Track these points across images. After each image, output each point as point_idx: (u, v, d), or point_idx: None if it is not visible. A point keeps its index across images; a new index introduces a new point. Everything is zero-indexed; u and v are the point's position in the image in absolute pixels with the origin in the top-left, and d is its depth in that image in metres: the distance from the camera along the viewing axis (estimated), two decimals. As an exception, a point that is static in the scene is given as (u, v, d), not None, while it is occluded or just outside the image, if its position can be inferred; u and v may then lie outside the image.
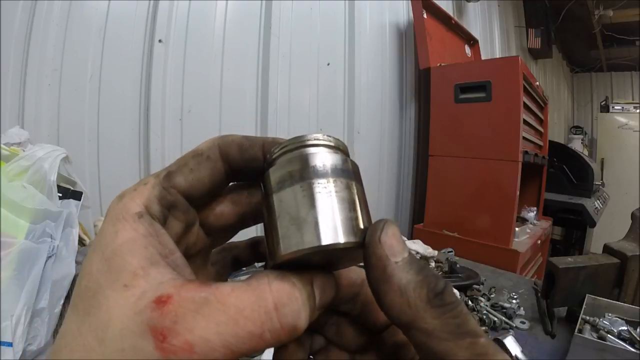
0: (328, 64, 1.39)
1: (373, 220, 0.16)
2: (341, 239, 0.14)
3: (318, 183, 0.14)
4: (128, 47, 0.99)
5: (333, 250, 0.14)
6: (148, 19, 1.01)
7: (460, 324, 0.14)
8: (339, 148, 0.16)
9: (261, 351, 0.12)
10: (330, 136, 0.16)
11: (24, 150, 0.72)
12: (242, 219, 0.20)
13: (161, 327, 0.13)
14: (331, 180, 0.15)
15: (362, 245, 0.15)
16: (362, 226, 0.15)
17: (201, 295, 0.13)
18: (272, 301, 0.13)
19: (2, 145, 0.70)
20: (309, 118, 1.35)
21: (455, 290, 0.78)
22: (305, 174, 0.15)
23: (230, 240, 0.22)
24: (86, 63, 0.93)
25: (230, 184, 0.20)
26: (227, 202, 0.20)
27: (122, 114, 0.99)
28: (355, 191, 0.15)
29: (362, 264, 0.16)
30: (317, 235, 0.14)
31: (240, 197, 0.20)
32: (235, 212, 0.20)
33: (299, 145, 0.16)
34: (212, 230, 0.20)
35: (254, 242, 0.23)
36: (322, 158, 0.15)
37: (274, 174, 0.15)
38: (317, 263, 0.15)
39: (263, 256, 0.23)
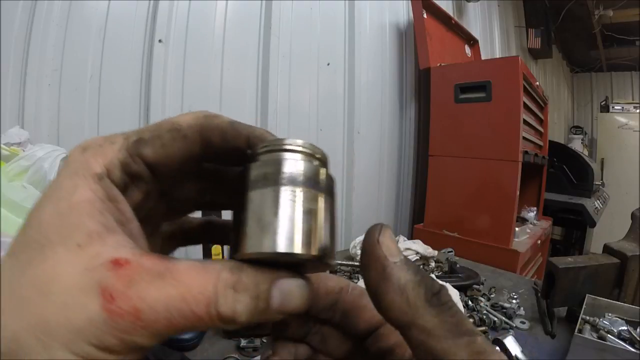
0: (328, 64, 1.39)
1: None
2: (297, 249, 0.14)
3: (287, 190, 0.15)
4: (128, 47, 0.98)
5: (290, 258, 0.14)
6: (148, 19, 1.01)
7: (458, 323, 0.14)
8: (318, 158, 0.16)
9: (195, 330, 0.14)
10: (312, 145, 0.16)
11: (24, 150, 0.72)
12: (204, 199, 0.20)
13: (113, 288, 0.13)
14: (300, 190, 0.15)
15: (318, 259, 0.15)
16: (322, 240, 0.15)
17: (158, 268, 0.13)
18: (216, 290, 0.13)
19: (2, 145, 0.70)
20: (309, 118, 1.35)
21: (454, 290, 0.78)
22: (278, 178, 0.15)
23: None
24: (86, 63, 0.93)
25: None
26: (194, 180, 0.19)
27: (122, 114, 0.99)
28: (322, 204, 0.15)
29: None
30: (274, 242, 0.14)
31: (207, 178, 0.20)
32: (200, 190, 0.20)
33: (279, 148, 0.16)
34: (171, 203, 0.20)
35: (207, 222, 0.22)
36: (297, 166, 0.15)
37: (253, 171, 0.15)
38: (286, 265, 0.15)
39: (214, 237, 0.23)
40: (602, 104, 4.33)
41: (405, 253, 1.14)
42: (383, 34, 1.61)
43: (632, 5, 3.01)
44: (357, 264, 1.05)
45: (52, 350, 0.12)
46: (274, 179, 0.15)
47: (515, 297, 0.90)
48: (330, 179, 0.16)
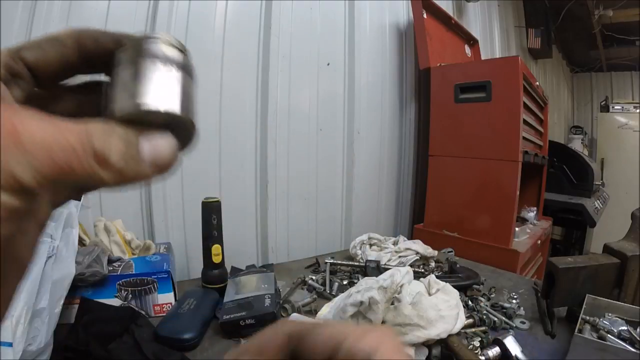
0: (328, 64, 1.39)
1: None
2: (162, 107, 0.16)
3: (149, 61, 0.16)
4: (128, 47, 0.98)
5: (155, 117, 0.16)
6: (148, 19, 1.01)
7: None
8: (177, 47, 0.18)
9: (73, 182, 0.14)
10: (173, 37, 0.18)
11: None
12: (81, 113, 0.20)
13: None
14: (161, 62, 0.17)
15: (182, 121, 0.17)
16: (183, 103, 0.17)
17: (38, 113, 0.13)
18: (89, 129, 0.14)
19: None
20: (308, 118, 1.35)
21: (454, 290, 0.78)
22: (141, 52, 0.17)
23: None
24: (86, 63, 0.93)
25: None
26: (71, 94, 0.21)
27: (122, 114, 0.99)
28: (181, 76, 0.17)
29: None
30: (142, 101, 0.15)
31: (84, 92, 0.21)
32: (78, 104, 0.21)
33: (143, 37, 0.17)
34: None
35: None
36: (158, 46, 0.17)
37: (119, 54, 0.17)
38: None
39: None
40: (602, 104, 4.33)
41: (405, 253, 1.13)
42: (383, 34, 1.61)
43: (632, 5, 3.01)
44: (357, 264, 1.05)
45: None
46: (138, 53, 0.17)
47: (515, 297, 0.90)
48: (189, 62, 0.18)
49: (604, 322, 0.67)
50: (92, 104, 0.20)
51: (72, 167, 0.13)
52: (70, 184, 0.14)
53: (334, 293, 0.90)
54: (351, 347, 0.15)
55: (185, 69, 0.18)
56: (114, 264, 0.78)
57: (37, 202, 0.14)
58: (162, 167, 0.16)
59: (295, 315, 0.75)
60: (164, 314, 0.77)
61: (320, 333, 0.16)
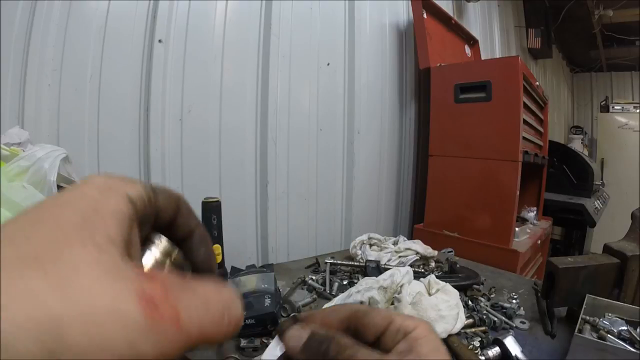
0: (328, 64, 1.39)
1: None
2: None
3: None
4: (128, 47, 0.98)
5: None
6: (148, 19, 1.01)
7: (325, 352, 0.20)
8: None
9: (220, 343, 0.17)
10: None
11: (24, 150, 0.72)
12: None
13: (152, 293, 0.13)
14: None
15: None
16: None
17: (180, 281, 0.14)
18: (226, 300, 0.16)
19: (2, 145, 0.70)
20: (309, 118, 1.35)
21: (454, 290, 0.78)
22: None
23: None
24: (86, 63, 0.93)
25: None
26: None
27: (122, 114, 0.99)
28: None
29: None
30: None
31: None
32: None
33: None
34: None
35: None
36: None
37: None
38: None
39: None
40: (602, 104, 4.33)
41: (405, 253, 1.12)
42: (383, 34, 1.61)
43: (632, 5, 3.01)
44: (357, 264, 1.05)
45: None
46: None
47: (515, 297, 0.90)
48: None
49: (604, 322, 0.67)
50: None
51: (212, 335, 0.15)
52: None
53: (334, 293, 0.90)
54: (400, 325, 0.21)
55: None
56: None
57: None
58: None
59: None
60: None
61: (377, 314, 0.22)
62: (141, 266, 0.16)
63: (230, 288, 0.17)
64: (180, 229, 0.21)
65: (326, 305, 0.78)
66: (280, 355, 0.22)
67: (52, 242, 0.12)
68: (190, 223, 0.21)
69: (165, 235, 0.21)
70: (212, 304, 0.15)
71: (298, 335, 0.21)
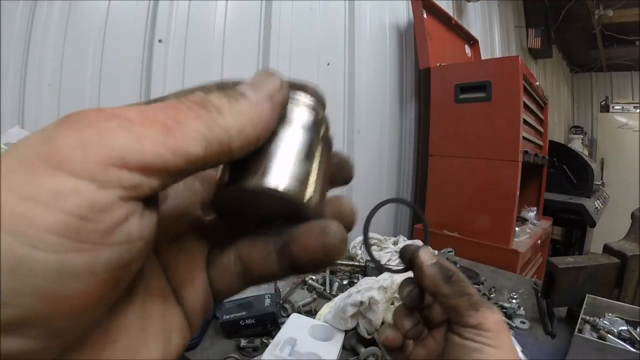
0: (328, 64, 1.39)
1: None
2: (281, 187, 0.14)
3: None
4: (128, 47, 0.98)
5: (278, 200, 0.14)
6: (148, 19, 1.01)
7: (462, 290, 0.28)
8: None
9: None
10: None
11: (24, 150, 0.71)
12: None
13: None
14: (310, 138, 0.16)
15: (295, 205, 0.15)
16: (312, 192, 0.15)
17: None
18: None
19: (2, 145, 0.70)
20: (309, 118, 1.35)
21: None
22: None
23: None
24: (86, 63, 0.93)
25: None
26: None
27: (122, 114, 0.99)
28: (322, 156, 0.16)
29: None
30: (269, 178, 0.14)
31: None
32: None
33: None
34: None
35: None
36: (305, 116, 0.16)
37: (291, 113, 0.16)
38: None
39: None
40: (602, 104, 4.33)
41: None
42: (383, 34, 1.61)
43: (632, 5, 3.01)
44: (357, 264, 1.05)
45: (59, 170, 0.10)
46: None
47: (515, 297, 0.90)
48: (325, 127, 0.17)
49: (604, 322, 0.67)
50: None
51: (204, 152, 0.13)
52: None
53: (334, 293, 0.90)
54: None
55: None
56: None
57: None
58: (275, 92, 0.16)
59: (295, 315, 0.75)
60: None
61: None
62: None
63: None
64: None
65: (326, 305, 0.78)
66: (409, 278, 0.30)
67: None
68: None
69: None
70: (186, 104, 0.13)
71: (430, 254, 0.29)
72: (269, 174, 0.14)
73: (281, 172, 0.14)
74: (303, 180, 0.14)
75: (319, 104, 0.16)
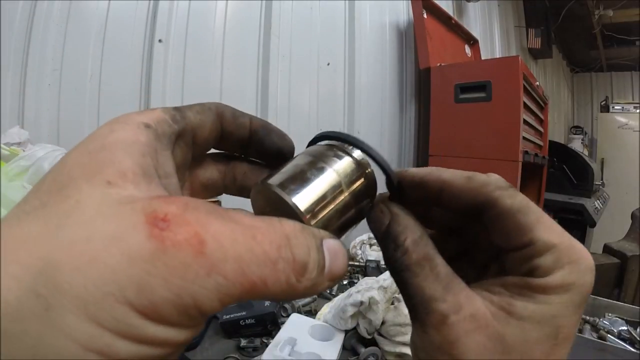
0: (328, 64, 1.39)
1: None
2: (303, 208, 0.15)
3: (328, 170, 0.17)
4: (128, 47, 0.98)
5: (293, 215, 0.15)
6: (148, 19, 1.01)
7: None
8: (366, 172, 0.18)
9: (267, 297, 0.12)
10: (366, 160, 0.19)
11: (24, 150, 0.72)
12: (224, 183, 0.21)
13: (165, 211, 0.10)
14: (337, 175, 0.17)
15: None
16: (329, 220, 0.16)
17: (214, 208, 0.11)
18: (285, 231, 0.12)
19: (2, 145, 0.70)
20: (309, 118, 1.35)
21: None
22: (328, 160, 0.17)
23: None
24: (86, 63, 0.93)
25: (212, 151, 0.20)
26: (213, 167, 0.20)
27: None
28: (346, 196, 0.17)
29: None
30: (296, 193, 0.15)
31: (224, 167, 0.21)
32: (220, 176, 0.20)
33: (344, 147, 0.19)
34: (195, 185, 0.20)
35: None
36: (344, 164, 0.18)
37: (314, 147, 0.19)
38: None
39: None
40: (602, 104, 4.33)
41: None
42: (383, 34, 1.61)
43: (632, 5, 3.01)
44: (357, 264, 1.05)
45: (57, 312, 0.09)
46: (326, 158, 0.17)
47: (515, 297, 0.90)
48: (365, 192, 0.18)
49: (604, 322, 0.67)
50: (231, 174, 0.20)
51: (266, 283, 0.11)
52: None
53: (334, 293, 0.90)
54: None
55: (358, 194, 0.18)
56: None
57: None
58: (337, 277, 0.13)
59: (295, 315, 0.75)
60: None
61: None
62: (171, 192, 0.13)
63: (299, 222, 0.12)
64: (233, 134, 0.19)
65: (326, 305, 0.78)
66: None
67: (57, 186, 0.11)
68: (242, 121, 0.19)
69: (238, 153, 0.20)
70: (260, 233, 0.11)
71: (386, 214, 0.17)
72: (296, 191, 0.15)
73: (304, 193, 0.15)
74: (315, 211, 0.15)
75: (362, 168, 0.18)
